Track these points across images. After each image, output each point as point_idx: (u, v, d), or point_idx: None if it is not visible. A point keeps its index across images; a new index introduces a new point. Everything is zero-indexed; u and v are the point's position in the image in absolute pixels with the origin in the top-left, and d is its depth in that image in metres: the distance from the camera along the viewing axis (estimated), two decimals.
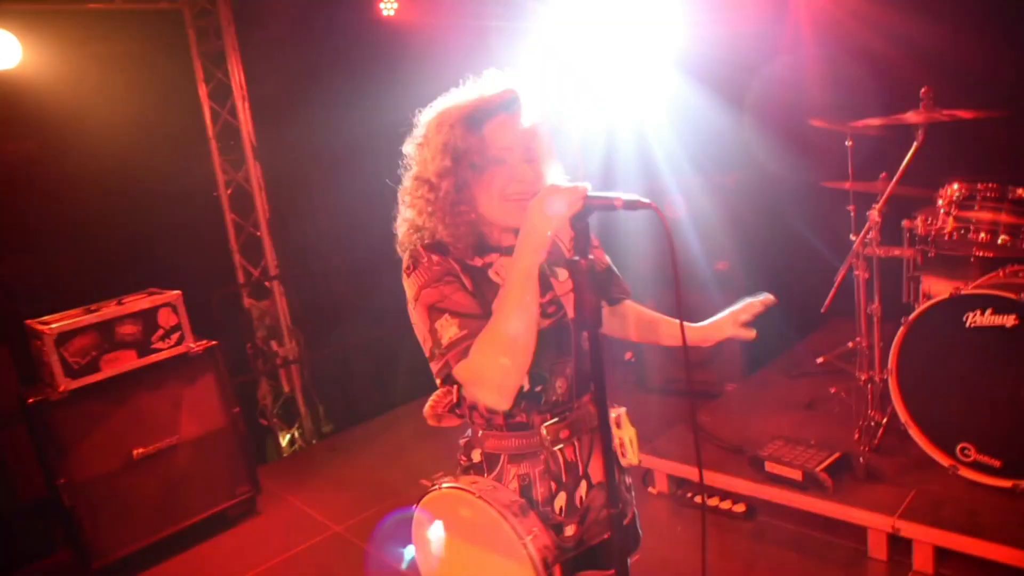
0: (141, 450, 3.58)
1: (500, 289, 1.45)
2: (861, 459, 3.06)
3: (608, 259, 1.80)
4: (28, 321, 3.50)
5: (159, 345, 3.64)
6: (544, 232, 1.37)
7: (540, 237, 1.37)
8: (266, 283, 4.84)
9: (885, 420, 3.22)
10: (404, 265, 1.55)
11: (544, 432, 1.57)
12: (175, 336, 3.69)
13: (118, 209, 4.14)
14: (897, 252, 3.17)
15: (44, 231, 3.98)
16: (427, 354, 1.53)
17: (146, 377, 3.61)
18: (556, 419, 1.59)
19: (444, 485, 1.59)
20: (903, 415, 3.00)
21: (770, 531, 3.19)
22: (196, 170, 4.56)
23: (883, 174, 3.31)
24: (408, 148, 1.60)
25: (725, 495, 3.35)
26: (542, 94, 1.60)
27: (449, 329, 1.44)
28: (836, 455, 3.10)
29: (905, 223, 3.16)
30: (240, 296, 4.78)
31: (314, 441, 4.99)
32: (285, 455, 4.89)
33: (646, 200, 1.36)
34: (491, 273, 1.56)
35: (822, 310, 3.46)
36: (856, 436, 3.25)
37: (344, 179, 4.72)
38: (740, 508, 3.29)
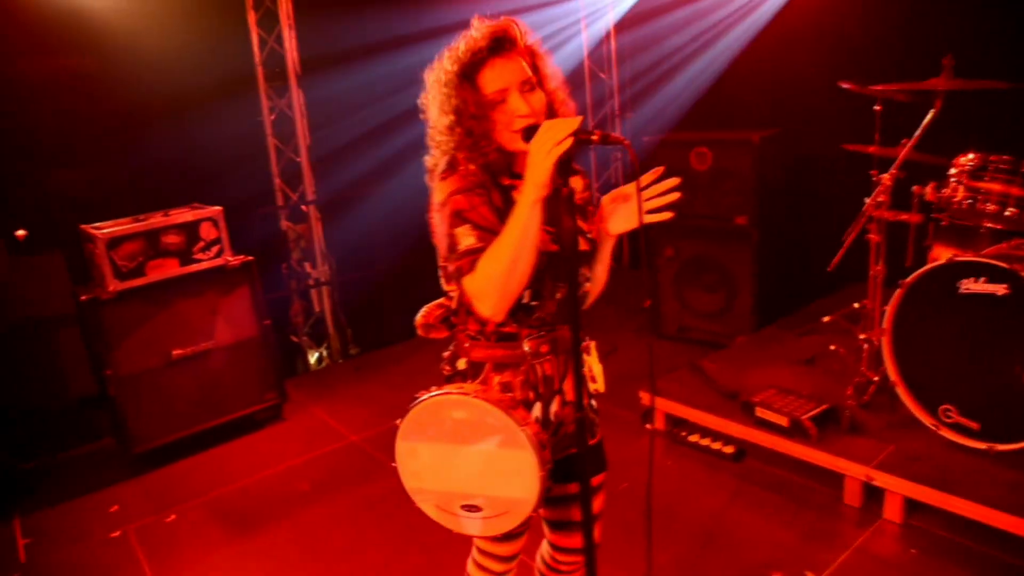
0: (179, 351, 3.89)
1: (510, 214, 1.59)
2: (847, 412, 3.20)
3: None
4: (82, 225, 3.79)
5: (200, 256, 3.92)
6: (545, 167, 1.48)
7: (542, 172, 1.49)
8: (303, 207, 5.07)
9: (877, 378, 3.34)
10: (440, 170, 1.68)
11: (526, 346, 1.74)
12: (215, 249, 3.95)
13: (167, 127, 4.38)
14: (904, 217, 3.23)
15: (99, 144, 4.24)
16: (440, 257, 1.69)
17: (186, 284, 3.90)
18: (539, 334, 1.76)
19: (434, 392, 1.71)
20: (892, 374, 3.11)
21: (755, 473, 3.37)
22: (242, 95, 4.76)
23: (904, 140, 3.35)
24: (421, 102, 1.76)
25: (717, 436, 3.54)
26: (527, 26, 1.72)
27: (467, 238, 1.59)
28: (824, 406, 3.24)
29: (914, 189, 3.21)
30: (278, 218, 5.02)
31: (340, 361, 5.29)
32: (313, 371, 5.20)
33: (618, 135, 1.52)
34: (515, 194, 1.69)
35: (828, 268, 3.55)
36: (848, 391, 3.37)
37: (382, 110, 4.89)
38: (729, 449, 3.48)
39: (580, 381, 1.63)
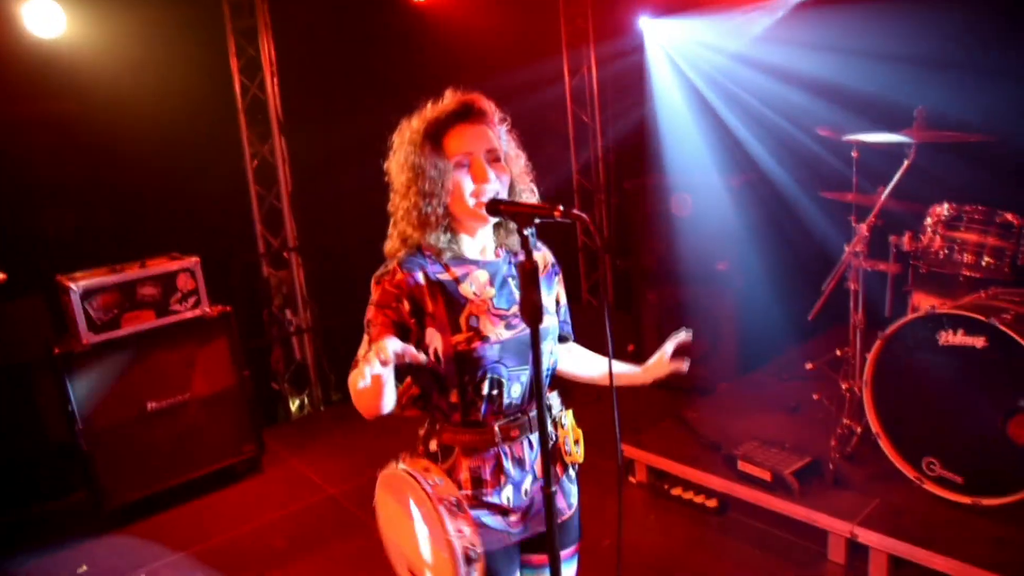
0: (155, 403, 3.83)
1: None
2: (831, 465, 3.15)
3: (564, 300, 1.92)
4: (58, 276, 3.74)
5: (176, 307, 3.87)
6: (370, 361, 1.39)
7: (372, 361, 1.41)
8: (285, 254, 5.04)
9: (860, 429, 3.30)
10: (377, 273, 1.71)
11: (497, 431, 1.71)
12: (192, 300, 3.91)
13: (148, 174, 4.34)
14: (883, 267, 3.22)
15: (79, 189, 4.20)
16: None
17: (163, 336, 3.85)
18: (509, 419, 1.72)
19: (401, 467, 1.71)
20: (874, 426, 3.07)
21: (738, 527, 3.30)
22: (224, 141, 4.75)
23: (880, 188, 3.35)
24: (386, 165, 1.76)
25: (700, 489, 3.48)
26: (493, 104, 1.74)
27: (362, 348, 1.65)
28: (807, 459, 3.20)
29: (892, 239, 3.21)
30: (260, 265, 4.99)
31: (322, 408, 5.21)
32: (294, 419, 5.12)
33: (574, 213, 1.49)
34: (462, 287, 1.70)
35: (809, 317, 3.53)
36: (833, 443, 3.33)
37: (365, 158, 4.87)
38: (712, 503, 3.41)
39: (547, 459, 1.60)
